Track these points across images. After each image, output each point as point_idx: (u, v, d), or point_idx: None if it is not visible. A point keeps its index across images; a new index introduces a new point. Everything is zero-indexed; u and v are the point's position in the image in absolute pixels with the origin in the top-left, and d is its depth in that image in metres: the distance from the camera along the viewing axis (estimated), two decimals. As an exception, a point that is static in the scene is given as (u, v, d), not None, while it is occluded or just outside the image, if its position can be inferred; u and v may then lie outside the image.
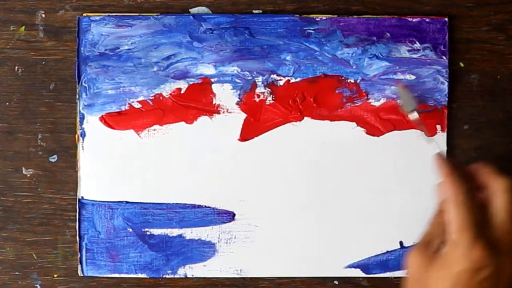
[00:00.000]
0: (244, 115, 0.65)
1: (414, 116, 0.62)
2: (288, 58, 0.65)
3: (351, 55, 0.65)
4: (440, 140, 0.65)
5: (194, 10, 0.65)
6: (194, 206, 0.65)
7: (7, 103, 0.65)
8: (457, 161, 0.55)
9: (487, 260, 0.50)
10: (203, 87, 0.65)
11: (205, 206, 0.65)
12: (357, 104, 0.65)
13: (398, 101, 0.64)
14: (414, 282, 0.52)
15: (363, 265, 0.65)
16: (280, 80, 0.65)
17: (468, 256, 0.50)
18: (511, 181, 0.52)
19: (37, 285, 0.66)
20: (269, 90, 0.65)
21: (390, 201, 0.65)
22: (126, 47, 0.64)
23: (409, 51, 0.65)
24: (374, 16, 0.65)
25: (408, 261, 0.52)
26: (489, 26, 0.65)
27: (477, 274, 0.50)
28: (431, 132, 0.65)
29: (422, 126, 0.62)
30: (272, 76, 0.65)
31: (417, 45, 0.65)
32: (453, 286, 0.50)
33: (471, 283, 0.50)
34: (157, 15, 0.64)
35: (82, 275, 0.65)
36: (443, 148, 0.65)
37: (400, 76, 0.65)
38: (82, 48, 0.64)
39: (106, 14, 0.64)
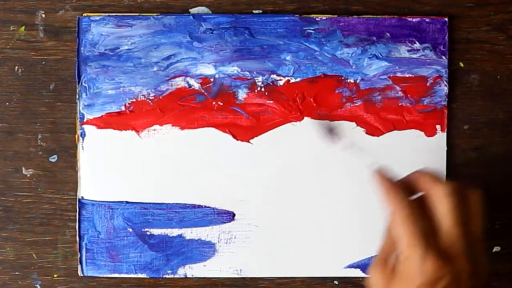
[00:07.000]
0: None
1: (345, 143, 0.63)
2: (288, 58, 0.65)
3: (351, 55, 0.65)
4: (440, 140, 0.65)
5: (194, 10, 0.65)
6: (194, 206, 0.65)
7: (7, 103, 0.65)
8: (394, 174, 0.54)
9: (442, 270, 0.49)
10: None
11: (205, 206, 0.65)
12: (357, 104, 0.65)
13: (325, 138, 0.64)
14: None
15: (363, 265, 0.65)
16: (280, 80, 0.65)
17: (422, 270, 0.49)
18: (451, 185, 0.52)
19: (37, 285, 0.66)
20: (269, 90, 0.65)
21: (390, 201, 0.65)
22: (126, 47, 0.64)
23: (409, 51, 0.65)
24: (374, 16, 0.65)
25: (370, 280, 0.52)
26: (489, 26, 0.65)
27: (435, 286, 0.49)
28: (431, 132, 0.65)
29: (355, 148, 0.61)
30: (272, 76, 0.65)
31: (417, 45, 0.65)
32: None
33: None
34: (157, 15, 0.64)
35: (82, 275, 0.65)
36: (444, 147, 0.65)
37: (399, 75, 0.65)
38: (82, 48, 0.64)
39: (106, 14, 0.64)
